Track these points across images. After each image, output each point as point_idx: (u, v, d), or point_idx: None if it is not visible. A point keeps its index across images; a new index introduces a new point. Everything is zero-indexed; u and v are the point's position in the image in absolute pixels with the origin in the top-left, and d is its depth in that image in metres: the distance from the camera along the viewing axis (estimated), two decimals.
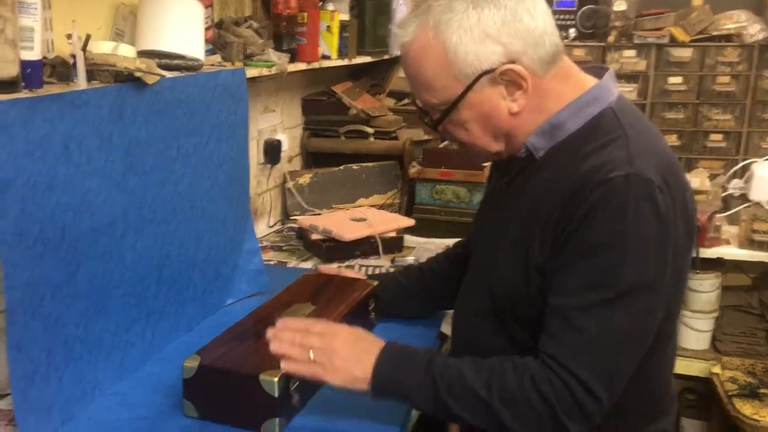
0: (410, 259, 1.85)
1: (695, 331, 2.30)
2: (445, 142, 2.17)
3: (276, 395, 1.05)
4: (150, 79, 1.21)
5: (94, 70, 1.16)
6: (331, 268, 1.55)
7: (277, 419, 1.06)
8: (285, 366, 1.05)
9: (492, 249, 1.14)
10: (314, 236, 1.90)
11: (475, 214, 1.38)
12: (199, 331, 1.42)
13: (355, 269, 1.82)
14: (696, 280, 2.26)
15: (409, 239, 2.05)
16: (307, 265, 1.85)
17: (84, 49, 1.15)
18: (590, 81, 1.08)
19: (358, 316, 1.33)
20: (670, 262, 0.98)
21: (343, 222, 1.95)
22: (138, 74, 1.19)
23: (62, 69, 1.15)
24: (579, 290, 0.98)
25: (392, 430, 1.09)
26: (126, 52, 1.28)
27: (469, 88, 1.03)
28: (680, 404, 2.36)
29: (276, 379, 1.05)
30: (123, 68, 1.17)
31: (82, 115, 1.08)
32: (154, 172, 1.26)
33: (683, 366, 2.24)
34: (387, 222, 1.98)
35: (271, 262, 1.87)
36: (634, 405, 1.06)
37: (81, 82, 1.12)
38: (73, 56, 1.13)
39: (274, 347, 1.06)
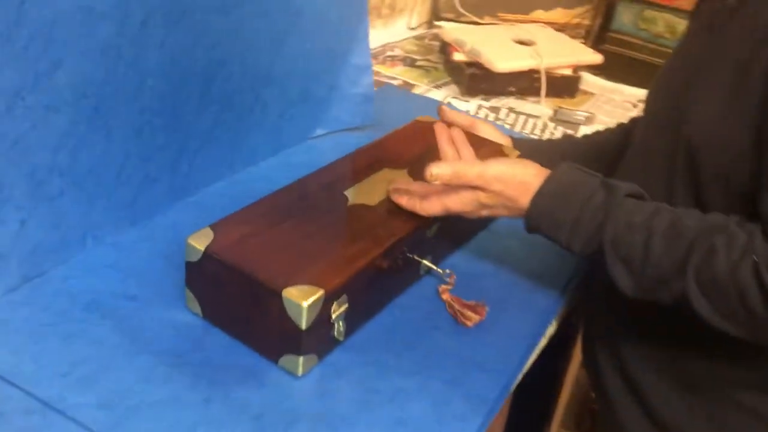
0: (581, 114, 1.32)
1: None
2: None
3: (303, 326, 0.67)
4: None
5: None
6: (460, 116, 1.08)
7: (301, 358, 0.70)
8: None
9: (691, 100, 0.75)
10: (456, 56, 1.40)
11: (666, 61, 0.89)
12: (264, 169, 1.05)
13: (501, 115, 1.33)
14: None
15: (590, 81, 1.50)
16: (439, 94, 1.39)
17: None
18: None
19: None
20: None
21: (502, 42, 1.43)
22: None
23: None
24: None
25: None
26: None
27: None
28: None
29: (307, 303, 0.66)
30: None
31: None
32: None
33: None
34: (563, 52, 1.43)
35: (394, 81, 1.42)
36: None
37: None
38: None
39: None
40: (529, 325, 0.82)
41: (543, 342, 0.83)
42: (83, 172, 0.80)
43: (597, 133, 1.06)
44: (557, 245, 0.76)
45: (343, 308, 0.71)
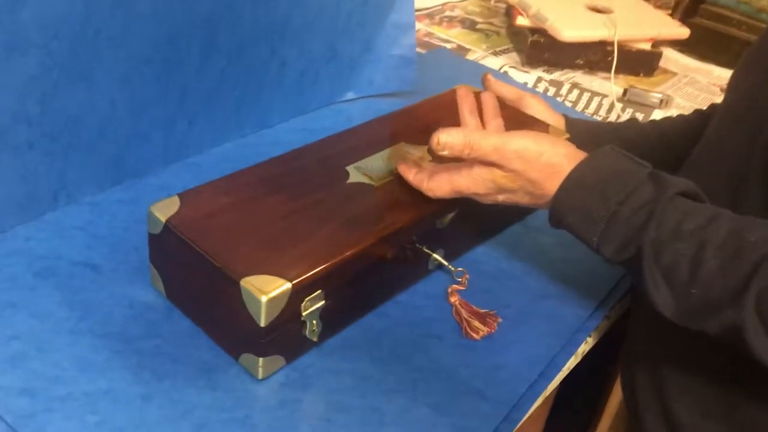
0: (655, 96, 1.15)
1: None
2: None
3: (262, 323, 0.57)
4: None
5: None
6: (506, 87, 0.94)
7: (261, 359, 0.59)
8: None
9: None
10: (520, 20, 1.24)
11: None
12: (280, 132, 0.95)
13: (563, 91, 1.17)
14: None
15: (672, 58, 1.31)
16: (496, 62, 1.24)
17: None
18: None
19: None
20: None
21: (573, 8, 1.26)
22: None
23: None
24: None
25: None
26: None
27: None
28: None
29: (267, 297, 0.56)
30: None
31: None
32: None
33: None
34: (642, 23, 1.25)
35: (448, 45, 1.28)
36: None
37: None
38: None
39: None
40: (549, 347, 0.68)
41: (567, 367, 0.70)
42: (58, 122, 0.71)
43: (669, 120, 0.90)
44: (586, 246, 0.62)
45: (317, 305, 0.60)
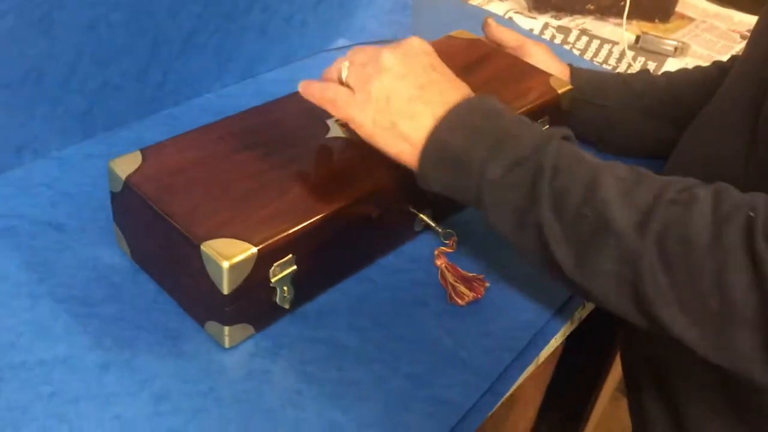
0: (670, 43, 1.07)
1: None
2: None
3: (225, 290, 0.53)
4: None
5: None
6: (507, 33, 0.87)
7: (226, 328, 0.55)
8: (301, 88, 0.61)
9: None
10: None
11: None
12: (264, 82, 0.89)
13: (570, 38, 1.10)
14: None
15: (690, 2, 1.23)
16: (501, 7, 1.16)
17: None
18: None
19: None
20: None
21: None
22: None
23: None
24: None
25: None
26: None
27: None
28: None
29: (229, 263, 0.51)
30: None
31: None
32: None
33: None
34: None
35: None
36: None
37: None
38: None
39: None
40: (540, 313, 0.64)
41: (562, 333, 0.65)
42: (17, 74, 0.66)
43: (684, 72, 0.83)
44: (462, 176, 0.53)
45: (288, 271, 0.56)
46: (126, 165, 0.58)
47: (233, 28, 0.83)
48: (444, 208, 0.70)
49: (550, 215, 0.48)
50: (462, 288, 0.63)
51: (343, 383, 0.55)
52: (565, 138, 0.53)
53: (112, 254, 0.63)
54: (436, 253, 0.67)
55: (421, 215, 0.67)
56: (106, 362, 0.54)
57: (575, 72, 0.83)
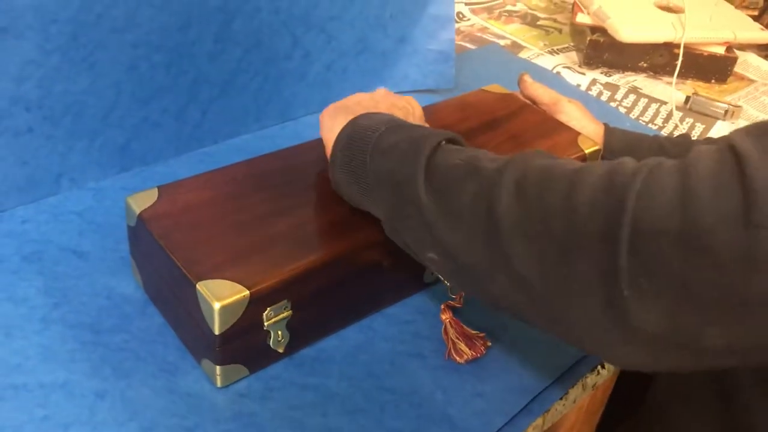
0: (720, 106, 1.04)
1: None
2: None
3: (216, 330, 0.54)
4: None
5: None
6: (542, 90, 0.86)
7: (218, 367, 0.56)
8: None
9: None
10: (580, 17, 1.16)
11: None
12: (303, 126, 0.92)
13: (617, 95, 1.08)
14: None
15: (753, 64, 1.19)
16: (550, 61, 1.16)
17: None
18: None
19: None
20: None
21: (640, 5, 1.16)
22: None
23: None
24: None
25: None
26: None
27: None
28: None
29: (220, 305, 0.53)
30: None
31: None
32: None
33: None
34: (716, 24, 1.13)
35: (501, 42, 1.21)
36: None
37: None
38: None
39: None
40: (540, 378, 0.62)
41: (571, 400, 0.63)
42: (59, 107, 0.71)
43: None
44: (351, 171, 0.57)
45: (282, 315, 0.57)
46: (142, 201, 0.61)
47: (273, 73, 0.87)
48: None
49: (425, 173, 0.50)
50: (462, 345, 0.62)
51: (325, 430, 0.55)
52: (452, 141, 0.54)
53: (127, 285, 0.65)
54: (442, 308, 0.66)
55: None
56: (102, 390, 0.56)
57: (609, 131, 0.82)
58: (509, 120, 0.79)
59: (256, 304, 0.54)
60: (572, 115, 0.82)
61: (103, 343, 0.60)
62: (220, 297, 0.53)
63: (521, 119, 0.79)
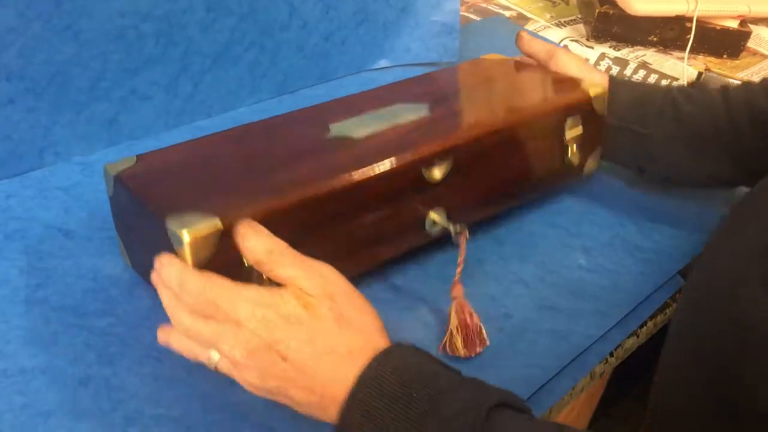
0: (733, 82, 1.00)
1: None
2: None
3: (189, 256, 0.49)
4: None
5: None
6: (539, 44, 0.79)
7: None
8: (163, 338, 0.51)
9: None
10: None
11: None
12: (301, 99, 0.88)
13: (627, 70, 1.04)
14: None
15: (763, 38, 1.15)
16: (557, 34, 1.12)
17: None
18: None
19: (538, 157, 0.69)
20: None
21: None
22: None
23: None
24: None
25: None
26: None
27: None
28: None
29: (190, 237, 0.48)
30: None
31: None
32: None
33: None
34: None
35: (507, 14, 1.17)
36: None
37: None
38: None
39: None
40: (544, 369, 0.59)
41: (577, 390, 0.61)
42: (42, 78, 0.68)
43: (753, 89, 0.70)
44: None
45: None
46: (119, 165, 0.57)
47: (269, 43, 0.83)
48: (468, 212, 0.65)
49: None
50: (459, 342, 0.59)
51: None
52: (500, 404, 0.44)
53: (114, 265, 0.63)
54: (454, 281, 0.61)
55: (432, 213, 0.62)
56: (85, 377, 0.54)
57: (615, 82, 0.73)
58: (508, 76, 0.75)
59: (231, 236, 0.49)
60: (570, 66, 0.75)
61: (87, 326, 0.57)
62: (189, 226, 0.48)
63: (521, 75, 0.75)
